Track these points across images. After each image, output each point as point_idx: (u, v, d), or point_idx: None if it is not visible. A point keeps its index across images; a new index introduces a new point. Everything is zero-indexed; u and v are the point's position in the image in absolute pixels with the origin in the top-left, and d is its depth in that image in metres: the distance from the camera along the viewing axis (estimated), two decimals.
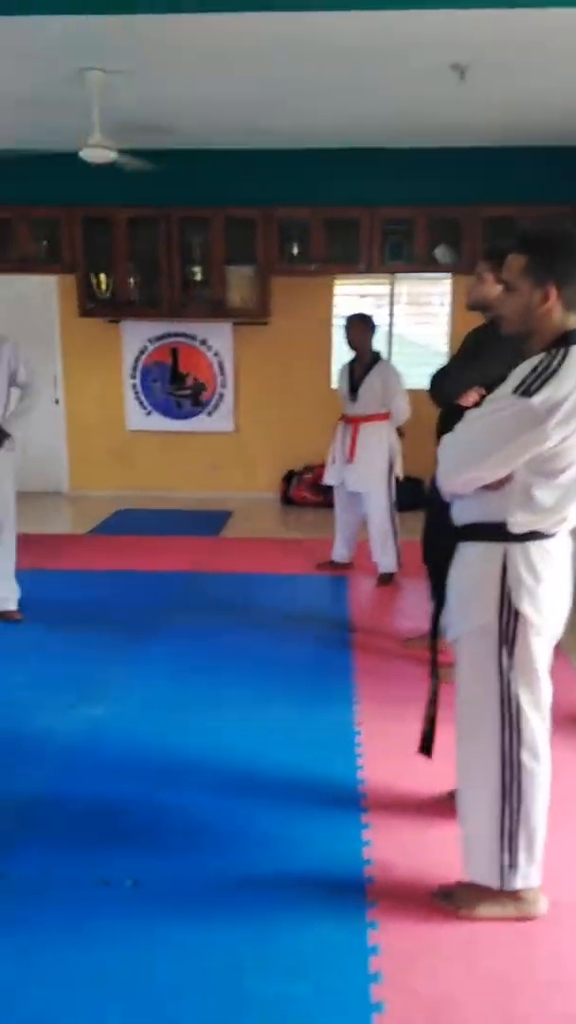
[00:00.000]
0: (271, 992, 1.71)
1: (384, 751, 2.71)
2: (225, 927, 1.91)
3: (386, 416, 4.56)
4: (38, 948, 1.84)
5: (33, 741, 2.76)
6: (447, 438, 1.83)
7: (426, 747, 2.08)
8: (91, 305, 6.30)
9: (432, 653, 2.05)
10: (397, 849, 2.20)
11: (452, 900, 1.97)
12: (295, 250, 6.20)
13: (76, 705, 3.02)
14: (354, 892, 2.04)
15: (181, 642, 3.67)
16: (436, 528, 2.73)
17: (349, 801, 2.44)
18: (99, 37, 3.82)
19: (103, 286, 6.27)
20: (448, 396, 2.95)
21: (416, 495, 5.57)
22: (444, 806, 2.33)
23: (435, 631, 2.03)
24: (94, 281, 6.26)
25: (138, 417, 6.80)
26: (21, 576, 3.95)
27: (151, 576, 4.69)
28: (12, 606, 3.91)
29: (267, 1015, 1.66)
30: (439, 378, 3.09)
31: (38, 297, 6.55)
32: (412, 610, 4.11)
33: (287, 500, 6.70)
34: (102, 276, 6.24)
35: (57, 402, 6.65)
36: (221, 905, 1.99)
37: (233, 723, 2.91)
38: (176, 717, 2.95)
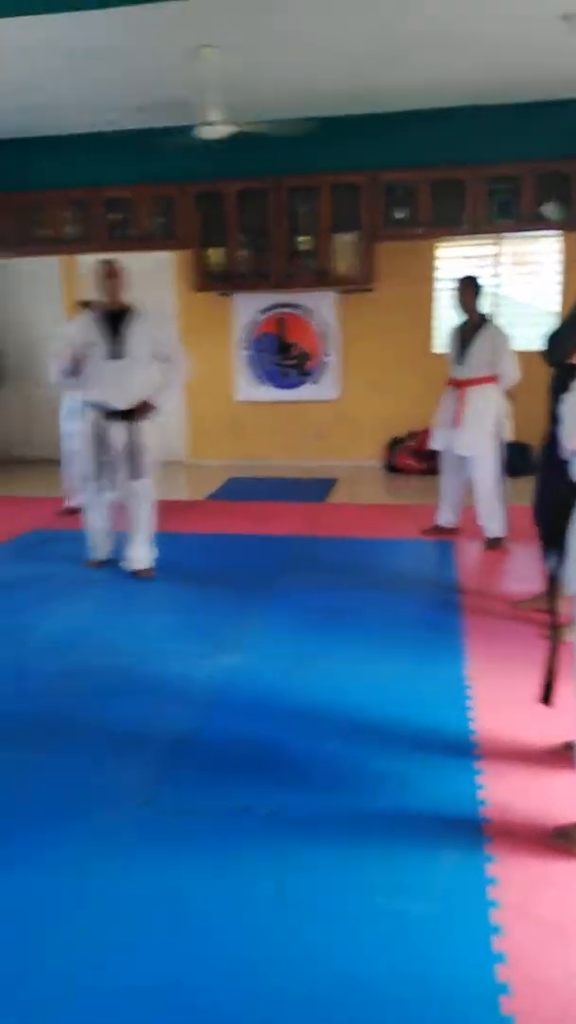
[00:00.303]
0: (400, 910, 1.89)
1: (496, 705, 2.81)
2: (354, 852, 2.10)
3: (494, 379, 4.56)
4: (188, 866, 2.08)
5: (176, 685, 3.04)
6: (572, 397, 1.90)
7: (547, 696, 2.18)
8: (204, 280, 6.52)
9: (551, 609, 2.14)
10: (512, 793, 2.32)
11: (568, 839, 2.08)
12: (400, 214, 6.19)
13: (211, 654, 3.28)
14: (472, 829, 2.17)
15: (298, 600, 3.88)
16: (551, 486, 2.78)
17: (463, 748, 2.57)
18: (216, 13, 3.94)
19: (215, 260, 6.48)
20: (562, 356, 2.96)
21: (524, 459, 5.54)
22: (558, 756, 2.42)
23: (553, 587, 2.12)
24: (207, 256, 6.47)
25: (248, 388, 7.02)
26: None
27: (265, 539, 4.92)
28: (146, 565, 4.23)
29: (397, 929, 1.84)
30: (553, 338, 3.09)
31: (155, 274, 6.82)
32: (521, 573, 4.16)
33: (391, 467, 6.78)
34: (214, 250, 6.45)
35: None
36: (349, 833, 2.18)
37: (349, 675, 3.09)
38: (299, 668, 3.16)
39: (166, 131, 5.12)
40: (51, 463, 6.82)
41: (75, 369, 3.98)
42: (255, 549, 4.75)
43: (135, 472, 4.06)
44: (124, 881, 2.02)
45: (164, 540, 4.39)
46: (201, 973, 1.73)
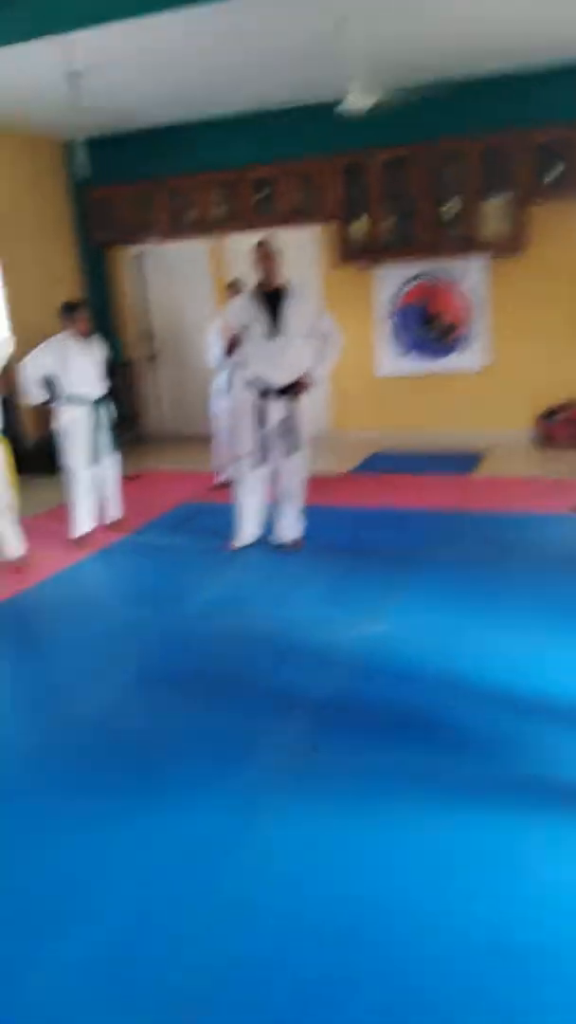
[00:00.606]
0: (554, 876, 1.88)
1: None
2: (506, 816, 2.11)
3: None
4: (343, 817, 2.17)
5: (325, 650, 3.15)
6: None
7: None
8: (348, 253, 6.51)
9: None
10: None
11: None
12: (556, 173, 5.86)
13: (359, 623, 3.36)
14: None
15: (445, 574, 3.86)
16: None
17: None
18: None
19: (359, 232, 6.44)
20: None
21: None
22: None
23: None
24: (351, 228, 6.45)
25: (391, 360, 6.96)
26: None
27: (411, 513, 4.90)
28: (295, 537, 4.36)
29: (550, 893, 1.84)
30: None
31: (300, 249, 6.85)
32: None
33: (545, 438, 6.50)
34: (358, 222, 6.41)
35: None
36: (501, 798, 2.19)
37: (498, 647, 3.07)
38: (446, 638, 3.17)
39: (309, 107, 5.11)
40: (202, 439, 7.12)
41: (232, 348, 4.13)
42: (399, 522, 4.75)
43: (291, 446, 4.17)
44: (282, 826, 2.15)
45: (310, 513, 4.48)
46: (348, 917, 1.82)
